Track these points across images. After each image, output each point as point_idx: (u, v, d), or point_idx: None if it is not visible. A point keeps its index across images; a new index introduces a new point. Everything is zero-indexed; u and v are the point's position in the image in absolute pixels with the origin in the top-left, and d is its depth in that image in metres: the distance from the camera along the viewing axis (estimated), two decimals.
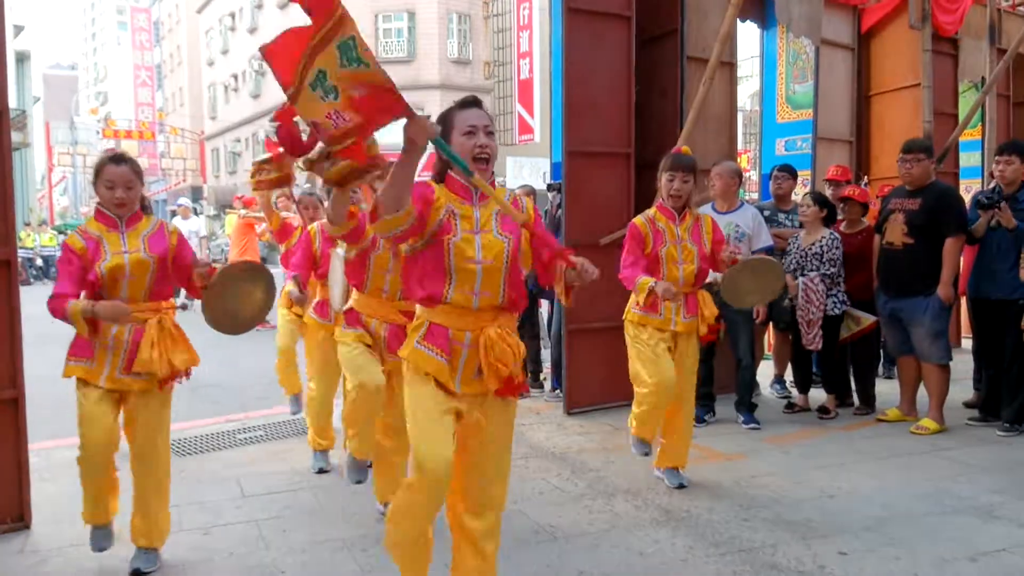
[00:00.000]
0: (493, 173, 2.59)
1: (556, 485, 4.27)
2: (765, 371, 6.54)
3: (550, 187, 6.68)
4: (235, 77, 37.32)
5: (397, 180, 2.30)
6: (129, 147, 37.94)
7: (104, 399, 3.13)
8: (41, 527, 3.67)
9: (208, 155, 42.89)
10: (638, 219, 4.17)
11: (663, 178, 4.11)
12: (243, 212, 11.13)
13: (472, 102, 2.57)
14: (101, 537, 3.29)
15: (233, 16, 36.53)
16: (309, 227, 4.60)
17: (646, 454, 4.25)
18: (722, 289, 4.07)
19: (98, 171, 3.18)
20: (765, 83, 8.37)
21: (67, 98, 57.64)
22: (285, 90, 2.39)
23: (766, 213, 5.87)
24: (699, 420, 5.39)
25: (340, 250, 3.84)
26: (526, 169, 28.56)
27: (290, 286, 4.36)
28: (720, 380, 5.65)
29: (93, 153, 48.35)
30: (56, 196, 53.67)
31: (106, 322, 3.05)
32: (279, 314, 5.38)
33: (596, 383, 5.73)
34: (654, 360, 4.03)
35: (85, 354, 3.13)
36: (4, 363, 3.69)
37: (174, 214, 12.27)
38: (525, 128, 27.45)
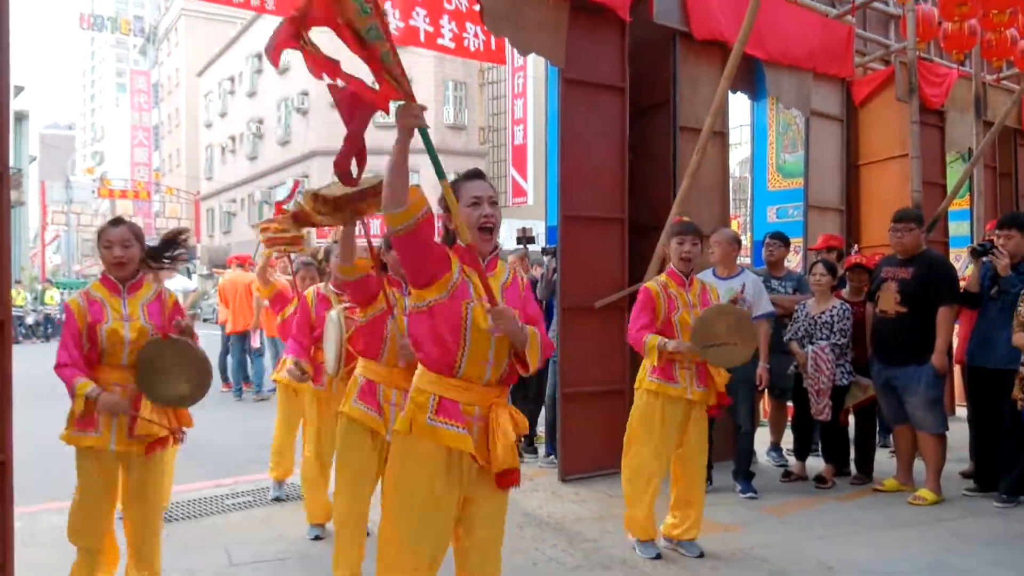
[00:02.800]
0: (498, 245, 2.63)
1: (551, 556, 4.18)
2: (761, 438, 6.48)
3: (545, 251, 6.73)
4: (232, 139, 37.80)
5: (394, 168, 2.35)
6: (124, 207, 38.21)
7: (114, 464, 3.20)
8: None
9: (203, 215, 43.12)
10: (651, 284, 4.19)
11: (672, 243, 4.18)
12: (231, 270, 11.07)
13: (476, 174, 2.62)
14: None
15: (232, 80, 37.20)
16: (306, 292, 4.60)
17: (657, 556, 4.12)
18: (693, 334, 4.01)
19: (99, 235, 3.28)
20: (756, 152, 8.56)
21: (64, 157, 58.16)
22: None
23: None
24: None
25: (335, 312, 3.82)
26: (519, 231, 28.76)
27: (290, 363, 4.32)
28: (717, 447, 5.59)
29: (88, 212, 48.63)
30: (49, 254, 53.64)
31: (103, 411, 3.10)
32: (277, 385, 5.31)
33: (592, 449, 5.67)
34: (654, 434, 4.04)
35: (90, 426, 3.15)
36: None
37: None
38: (519, 191, 27.80)
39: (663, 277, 4.23)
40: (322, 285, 4.64)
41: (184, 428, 3.33)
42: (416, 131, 2.36)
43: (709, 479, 5.46)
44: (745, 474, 5.44)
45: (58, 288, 27.36)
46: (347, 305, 3.78)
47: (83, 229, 46.07)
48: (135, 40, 58.12)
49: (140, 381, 3.16)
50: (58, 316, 22.60)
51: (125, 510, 3.30)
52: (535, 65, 24.51)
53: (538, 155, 25.89)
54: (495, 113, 29.23)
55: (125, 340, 3.16)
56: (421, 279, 2.47)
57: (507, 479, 2.52)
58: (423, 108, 2.36)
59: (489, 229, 2.54)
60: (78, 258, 54.42)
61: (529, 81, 26.03)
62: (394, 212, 2.37)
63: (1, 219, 3.62)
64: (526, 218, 28.34)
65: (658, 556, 4.11)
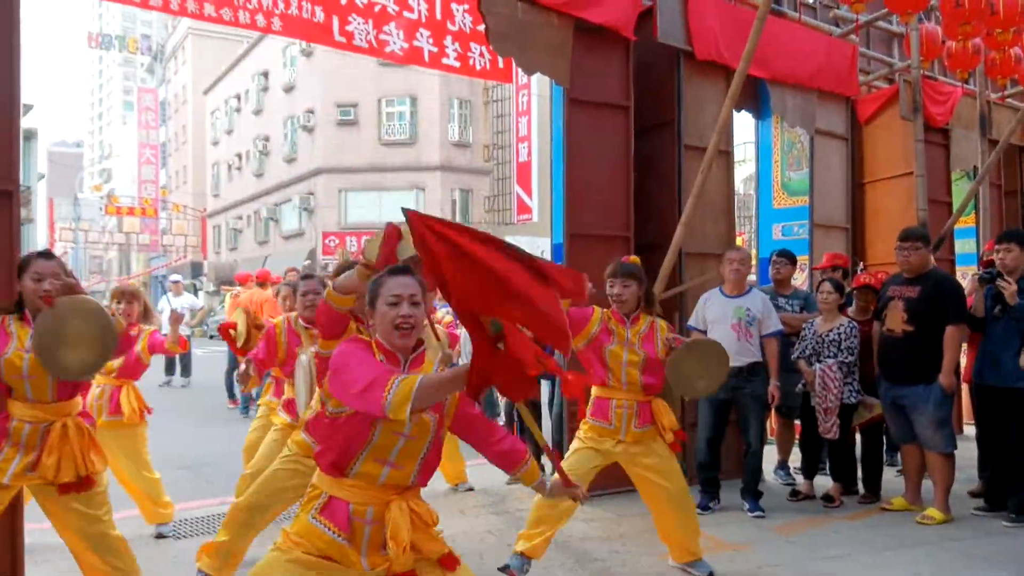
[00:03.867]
0: (423, 341, 2.53)
1: None
2: (768, 456, 6.45)
3: None
4: (239, 156, 37.98)
5: (439, 390, 2.21)
6: (131, 223, 38.35)
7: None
8: None
9: (210, 232, 43.29)
10: (599, 309, 4.12)
11: (607, 283, 4.11)
12: (238, 290, 11.08)
13: (402, 270, 2.48)
14: None
15: (239, 98, 37.45)
16: (275, 321, 4.55)
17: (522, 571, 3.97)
18: (668, 374, 4.04)
19: (25, 264, 3.16)
20: (761, 170, 8.57)
21: (71, 175, 58.52)
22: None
23: None
24: (704, 507, 5.33)
25: (305, 357, 3.73)
26: (524, 247, 28.77)
27: (243, 365, 4.30)
28: (725, 465, 5.58)
29: (95, 229, 48.87)
30: None
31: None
32: (259, 409, 5.21)
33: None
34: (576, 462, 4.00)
35: None
36: None
37: (166, 290, 12.21)
38: (523, 208, 27.88)
39: (607, 311, 4.14)
40: (292, 316, 4.52)
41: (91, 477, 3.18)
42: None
43: (717, 497, 5.46)
44: (753, 493, 5.41)
45: None
46: (317, 349, 3.40)
47: (91, 246, 46.35)
48: (142, 58, 58.70)
49: (43, 356, 2.99)
50: None
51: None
52: (539, 83, 24.64)
53: (543, 172, 25.97)
54: (500, 131, 29.34)
55: (23, 373, 3.08)
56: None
57: (449, 562, 2.49)
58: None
59: (407, 329, 2.41)
60: (85, 275, 54.62)
61: (533, 99, 26.14)
62: (413, 405, 2.17)
63: (12, 237, 3.67)
64: (531, 234, 28.43)
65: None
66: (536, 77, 23.12)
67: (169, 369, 13.16)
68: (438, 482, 5.98)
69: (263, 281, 10.56)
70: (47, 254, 3.23)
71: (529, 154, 26.98)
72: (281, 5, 5.38)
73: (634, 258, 4.33)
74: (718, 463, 5.51)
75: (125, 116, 77.44)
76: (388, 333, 2.42)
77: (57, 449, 3.07)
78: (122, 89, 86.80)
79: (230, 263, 37.03)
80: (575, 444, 4.14)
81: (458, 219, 29.07)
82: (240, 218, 38.22)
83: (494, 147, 29.42)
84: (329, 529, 2.37)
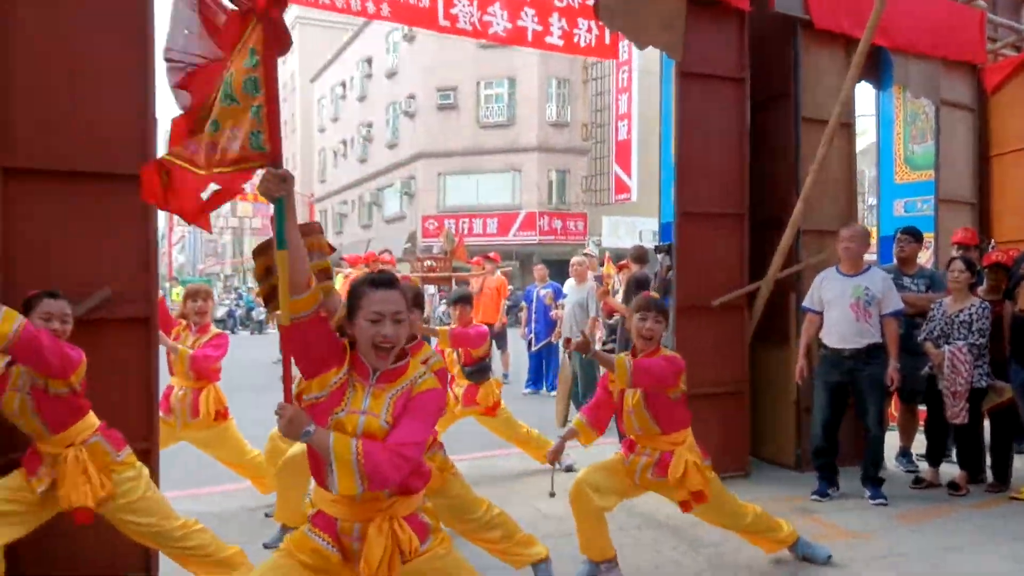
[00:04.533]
0: (406, 353, 2.46)
1: (672, 559, 4.12)
2: (889, 442, 6.20)
3: (658, 248, 6.64)
4: (344, 143, 39.01)
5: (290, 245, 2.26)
6: (244, 208, 40.03)
7: (29, 506, 3.17)
8: None
9: (316, 216, 44.79)
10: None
11: (635, 318, 3.81)
12: (348, 270, 11.41)
13: (386, 282, 2.35)
14: None
15: (344, 85, 38.41)
16: None
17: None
18: None
19: (34, 303, 3.18)
20: (881, 143, 8.15)
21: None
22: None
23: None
24: (822, 494, 5.19)
25: None
26: (621, 228, 28.55)
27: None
28: (843, 451, 5.39)
29: (212, 214, 51.18)
30: (174, 254, 56.98)
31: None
32: None
33: (709, 451, 5.52)
34: (596, 470, 3.82)
35: (32, 470, 3.20)
36: (141, 416, 3.88)
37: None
38: (622, 188, 27.54)
39: (625, 354, 3.83)
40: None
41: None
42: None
43: (835, 484, 5.29)
44: (874, 480, 5.21)
45: (183, 285, 29.02)
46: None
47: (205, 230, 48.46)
48: None
49: None
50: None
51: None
52: (641, 59, 24.21)
53: (643, 150, 25.56)
54: (598, 109, 29.02)
55: (15, 412, 3.17)
56: (311, 369, 2.32)
57: None
58: (288, 174, 2.29)
59: (386, 350, 2.32)
60: (201, 258, 57.54)
61: (634, 75, 25.70)
62: (296, 298, 2.25)
63: (148, 219, 3.88)
64: (630, 214, 28.11)
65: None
66: (637, 53, 22.85)
67: None
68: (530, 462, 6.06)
69: (369, 262, 10.91)
70: (54, 293, 3.26)
71: (629, 132, 26.58)
72: None
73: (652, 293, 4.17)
74: (835, 448, 5.32)
75: None
76: (366, 351, 2.33)
77: (62, 482, 3.16)
78: None
79: (336, 246, 38.14)
80: (613, 458, 3.92)
81: (554, 200, 29.02)
82: (345, 203, 39.33)
83: (592, 126, 29.16)
84: (321, 539, 2.35)
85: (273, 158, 2.35)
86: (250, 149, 2.31)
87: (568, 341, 3.95)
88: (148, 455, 3.86)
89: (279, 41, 2.37)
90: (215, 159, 2.33)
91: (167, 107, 38.83)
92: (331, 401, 2.31)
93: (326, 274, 3.25)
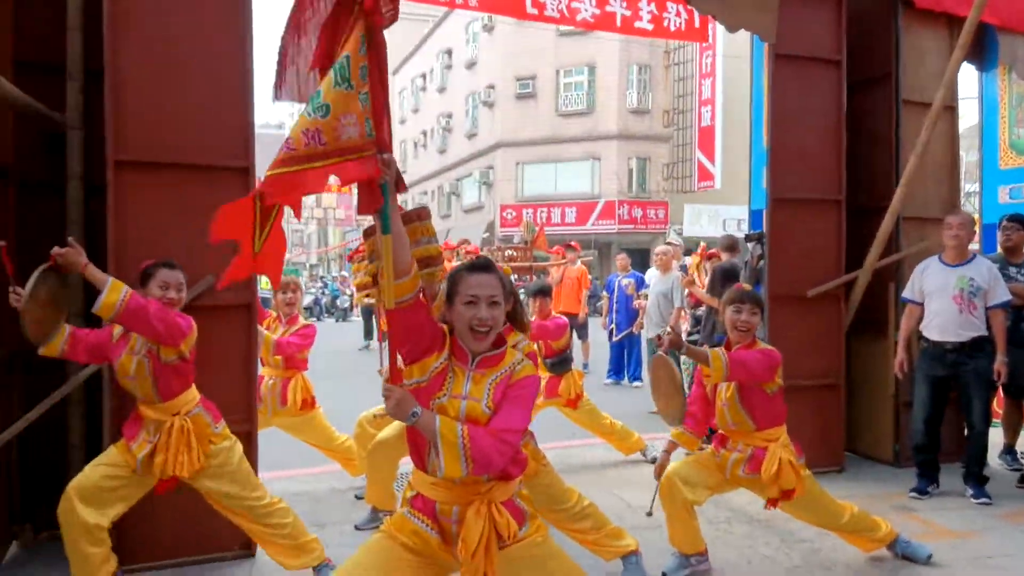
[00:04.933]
0: (503, 339, 2.49)
1: (766, 555, 4.03)
2: (992, 439, 5.91)
3: (748, 237, 6.48)
4: (424, 134, 39.48)
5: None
6: (328, 199, 41.04)
7: (129, 478, 3.29)
8: (265, 556, 3.84)
9: None
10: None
11: (728, 310, 3.71)
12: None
13: (482, 266, 2.42)
14: None
15: (424, 77, 38.82)
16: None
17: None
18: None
19: (152, 272, 3.33)
20: (985, 127, 7.75)
21: (274, 154, 63.33)
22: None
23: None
24: (922, 491, 5.00)
25: None
26: (704, 216, 28.05)
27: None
28: (944, 447, 5.17)
29: (308, 205, 52.71)
30: None
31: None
32: None
33: (804, 445, 5.38)
34: (687, 464, 3.74)
35: (132, 435, 3.33)
36: (241, 398, 4.03)
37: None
38: (705, 175, 27.06)
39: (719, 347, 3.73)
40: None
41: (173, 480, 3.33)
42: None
43: (936, 481, 5.09)
44: (977, 477, 4.99)
45: None
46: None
47: (293, 220, 50.00)
48: None
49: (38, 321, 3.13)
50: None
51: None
52: (725, 43, 23.65)
53: (727, 136, 25.03)
54: (680, 95, 28.52)
55: (130, 374, 3.27)
56: (413, 354, 2.35)
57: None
58: (391, 159, 2.34)
59: (483, 333, 2.36)
60: (288, 248, 59.10)
61: (718, 59, 25.15)
62: (399, 282, 2.29)
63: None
64: (713, 202, 27.56)
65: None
66: (722, 36, 22.29)
67: (368, 333, 14.01)
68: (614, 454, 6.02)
69: (449, 249, 11.02)
70: (171, 264, 3.37)
71: (712, 118, 26.08)
72: None
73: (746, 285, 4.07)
74: (936, 445, 5.11)
75: None
76: (463, 334, 2.38)
77: (163, 449, 3.27)
78: None
79: None
80: (705, 452, 3.84)
81: (634, 188, 28.69)
82: (425, 193, 39.82)
83: (674, 112, 28.68)
84: (420, 520, 2.38)
85: (380, 144, 2.40)
86: (366, 137, 2.36)
87: (659, 339, 3.86)
88: (249, 436, 4.02)
89: (380, 42, 2.46)
90: (329, 147, 2.34)
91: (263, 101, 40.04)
92: (432, 386, 2.35)
93: (437, 259, 3.31)
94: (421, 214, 3.30)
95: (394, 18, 2.47)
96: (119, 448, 3.33)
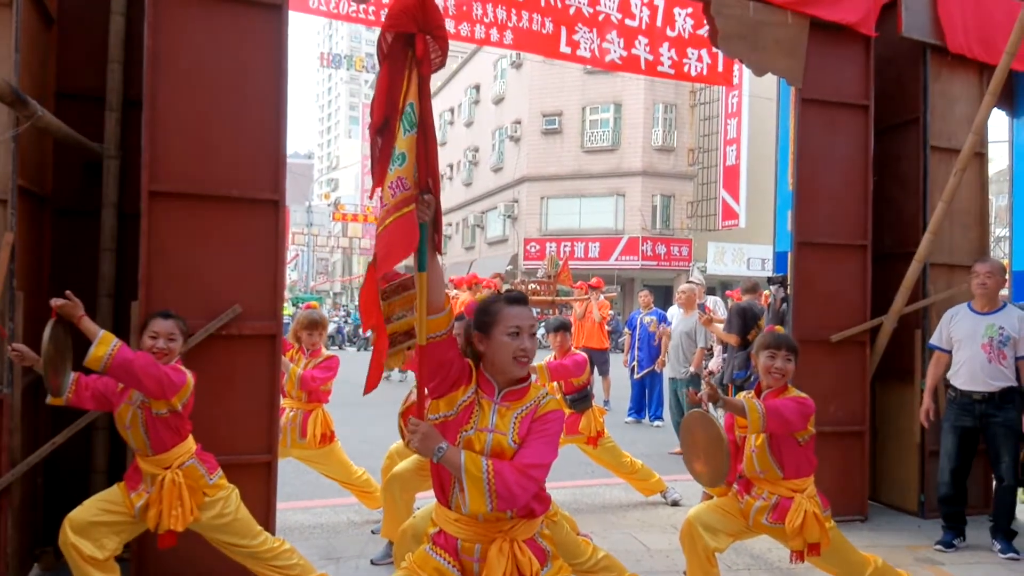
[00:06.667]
0: (530, 375, 2.52)
1: None
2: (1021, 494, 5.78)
3: (771, 280, 6.45)
4: (451, 167, 39.87)
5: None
6: (354, 229, 41.48)
7: (126, 520, 3.29)
8: None
9: None
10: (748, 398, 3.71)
11: (762, 355, 3.63)
12: (454, 292, 11.61)
13: (520, 299, 2.49)
14: None
15: (452, 111, 39.32)
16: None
17: None
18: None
19: (146, 323, 3.35)
20: (1016, 172, 7.67)
21: (304, 184, 64.34)
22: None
23: None
24: (948, 545, 4.88)
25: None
26: (728, 255, 27.99)
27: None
28: (972, 499, 5.06)
29: (323, 234, 53.42)
30: (287, 272, 59.53)
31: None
32: None
33: (827, 494, 5.30)
34: (709, 509, 3.66)
35: (133, 485, 3.33)
36: (263, 430, 4.04)
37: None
38: (729, 213, 27.05)
39: (749, 393, 3.71)
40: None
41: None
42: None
43: (962, 534, 4.97)
44: (1005, 532, 4.87)
45: (295, 304, 30.18)
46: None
47: (319, 249, 50.57)
48: (367, 76, 63.28)
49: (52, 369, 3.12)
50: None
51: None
52: (751, 84, 23.77)
53: (752, 176, 25.03)
54: (705, 134, 28.63)
55: (125, 424, 3.27)
56: (440, 388, 2.41)
57: None
58: (432, 199, 2.49)
59: (525, 361, 2.42)
60: (313, 275, 59.82)
61: (744, 100, 25.26)
62: (432, 318, 2.38)
63: (278, 239, 4.08)
64: (737, 241, 27.49)
65: None
66: (748, 78, 22.39)
67: None
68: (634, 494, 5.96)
69: (472, 284, 11.08)
70: (166, 313, 3.39)
71: (738, 157, 26.13)
72: (514, 18, 5.58)
73: (779, 328, 3.92)
74: (963, 497, 5.00)
75: (351, 130, 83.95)
76: (506, 364, 2.40)
77: (156, 502, 3.25)
78: (348, 105, 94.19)
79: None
80: (727, 497, 3.75)
81: (658, 225, 28.69)
82: (450, 224, 40.09)
83: (699, 151, 28.76)
84: (442, 558, 2.38)
85: (423, 185, 2.50)
86: (413, 180, 2.48)
87: (694, 393, 3.78)
88: (268, 467, 4.03)
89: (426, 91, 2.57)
90: (412, 191, 2.48)
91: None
92: (460, 419, 2.38)
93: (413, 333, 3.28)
94: (407, 284, 3.23)
95: (442, 64, 2.55)
96: (122, 490, 3.34)
